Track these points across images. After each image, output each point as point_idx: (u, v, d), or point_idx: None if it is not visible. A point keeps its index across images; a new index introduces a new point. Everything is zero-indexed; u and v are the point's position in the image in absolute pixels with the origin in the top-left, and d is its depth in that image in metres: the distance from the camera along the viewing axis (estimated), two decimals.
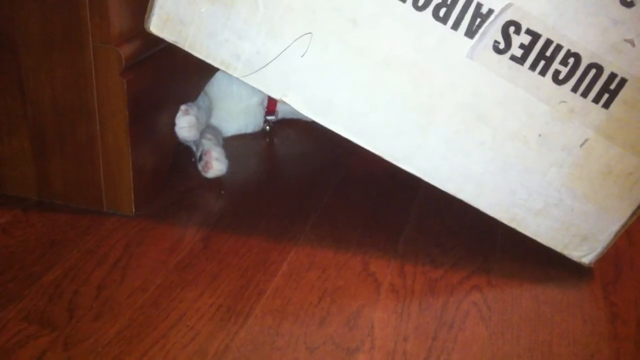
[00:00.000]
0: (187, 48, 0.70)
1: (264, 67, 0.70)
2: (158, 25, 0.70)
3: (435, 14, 0.65)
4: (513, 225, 0.72)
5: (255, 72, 0.70)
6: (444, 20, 0.65)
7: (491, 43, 0.65)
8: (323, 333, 0.64)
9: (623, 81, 0.65)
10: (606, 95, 0.65)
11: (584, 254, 0.73)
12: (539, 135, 0.68)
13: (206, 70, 0.89)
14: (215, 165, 0.87)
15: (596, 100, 0.66)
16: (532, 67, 0.65)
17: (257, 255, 0.74)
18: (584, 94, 0.66)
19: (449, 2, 0.64)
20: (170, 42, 0.70)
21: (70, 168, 0.80)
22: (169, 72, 0.83)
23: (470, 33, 0.65)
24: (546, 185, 0.70)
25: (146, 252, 0.74)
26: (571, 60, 0.65)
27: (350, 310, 0.67)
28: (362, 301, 0.68)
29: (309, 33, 0.68)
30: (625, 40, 0.63)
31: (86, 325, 0.64)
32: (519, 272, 0.74)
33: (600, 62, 0.64)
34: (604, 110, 0.66)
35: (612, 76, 0.65)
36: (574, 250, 0.72)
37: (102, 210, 0.80)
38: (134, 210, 0.80)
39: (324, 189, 0.88)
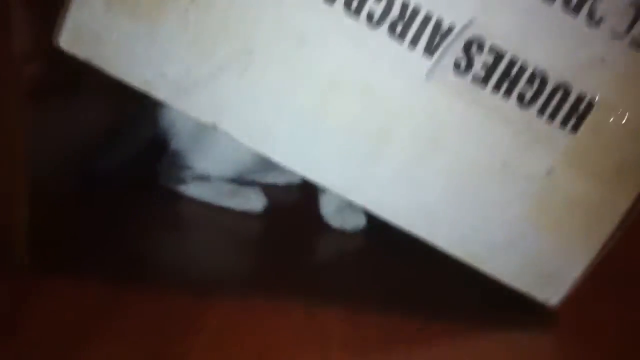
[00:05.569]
0: (103, 66, 0.61)
1: (193, 89, 0.61)
2: (69, 40, 0.60)
3: (391, 31, 0.60)
4: (471, 262, 0.66)
5: (183, 94, 0.62)
6: (400, 37, 0.60)
7: (451, 63, 0.60)
8: None
9: (591, 104, 0.61)
10: (574, 120, 0.61)
11: (549, 295, 0.67)
12: (501, 163, 0.63)
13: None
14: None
15: (563, 124, 0.62)
16: (495, 88, 0.61)
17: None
18: (551, 118, 0.62)
19: (406, 18, 0.59)
20: (83, 59, 0.61)
21: None
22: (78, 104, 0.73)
23: (429, 51, 0.60)
24: (508, 218, 0.64)
25: (41, 308, 0.62)
26: (537, 81, 0.61)
27: None
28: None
29: (247, 51, 0.61)
30: (594, 60, 0.60)
31: None
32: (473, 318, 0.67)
33: (567, 83, 0.61)
34: (571, 135, 0.62)
35: (580, 98, 0.61)
36: (538, 290, 0.67)
37: None
38: (27, 261, 0.67)
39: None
